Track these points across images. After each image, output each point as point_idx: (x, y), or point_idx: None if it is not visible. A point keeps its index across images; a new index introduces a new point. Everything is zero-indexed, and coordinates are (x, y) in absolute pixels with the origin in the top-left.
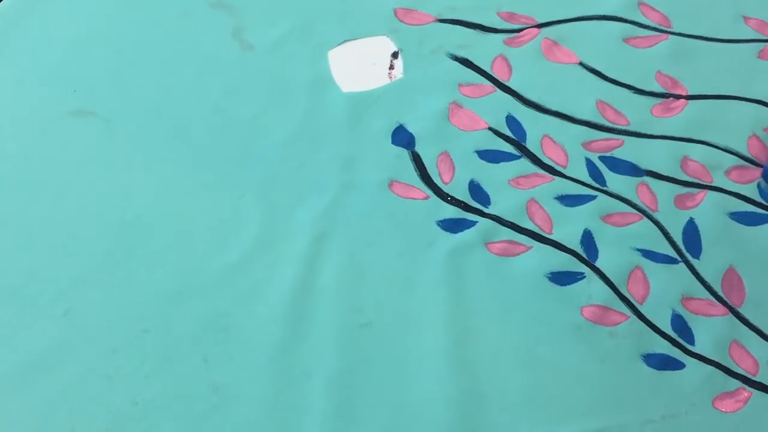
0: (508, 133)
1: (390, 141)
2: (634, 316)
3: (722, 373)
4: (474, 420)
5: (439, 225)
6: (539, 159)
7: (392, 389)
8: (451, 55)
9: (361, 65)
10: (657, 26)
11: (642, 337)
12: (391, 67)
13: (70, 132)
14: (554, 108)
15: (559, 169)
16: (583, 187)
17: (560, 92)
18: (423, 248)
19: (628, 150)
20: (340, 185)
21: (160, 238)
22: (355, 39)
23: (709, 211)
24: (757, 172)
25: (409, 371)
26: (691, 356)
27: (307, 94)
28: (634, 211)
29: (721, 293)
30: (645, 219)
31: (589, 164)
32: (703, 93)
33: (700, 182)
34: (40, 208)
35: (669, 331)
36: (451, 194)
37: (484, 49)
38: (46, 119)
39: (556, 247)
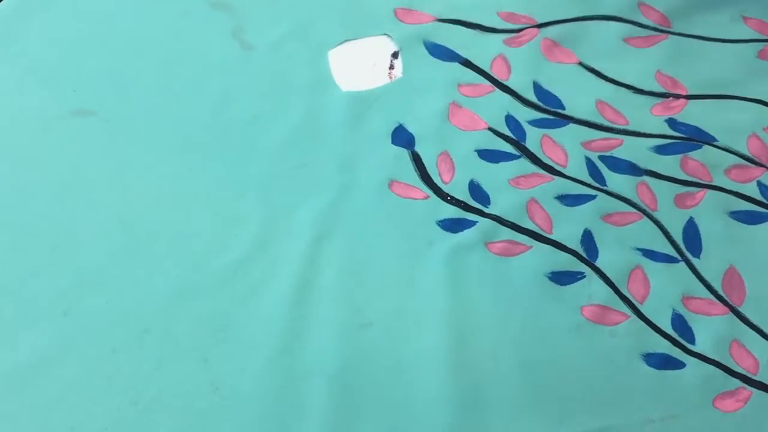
0: (508, 132)
1: (390, 141)
2: (635, 316)
3: (723, 372)
4: (474, 420)
5: (439, 225)
6: (539, 159)
7: (392, 389)
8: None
9: (361, 65)
10: (657, 26)
11: (642, 336)
12: (391, 67)
13: (70, 132)
14: (554, 108)
15: (558, 168)
16: (583, 187)
17: (560, 92)
18: (423, 248)
19: (628, 149)
20: (340, 185)
21: (160, 238)
22: (355, 39)
23: (709, 210)
24: (756, 171)
25: (409, 371)
26: (692, 356)
27: (307, 94)
28: (634, 210)
29: (721, 292)
30: (645, 218)
31: (589, 164)
32: (703, 93)
33: (700, 181)
34: (40, 208)
35: (669, 330)
36: (451, 194)
37: (484, 49)
38: (46, 119)
39: (556, 247)
